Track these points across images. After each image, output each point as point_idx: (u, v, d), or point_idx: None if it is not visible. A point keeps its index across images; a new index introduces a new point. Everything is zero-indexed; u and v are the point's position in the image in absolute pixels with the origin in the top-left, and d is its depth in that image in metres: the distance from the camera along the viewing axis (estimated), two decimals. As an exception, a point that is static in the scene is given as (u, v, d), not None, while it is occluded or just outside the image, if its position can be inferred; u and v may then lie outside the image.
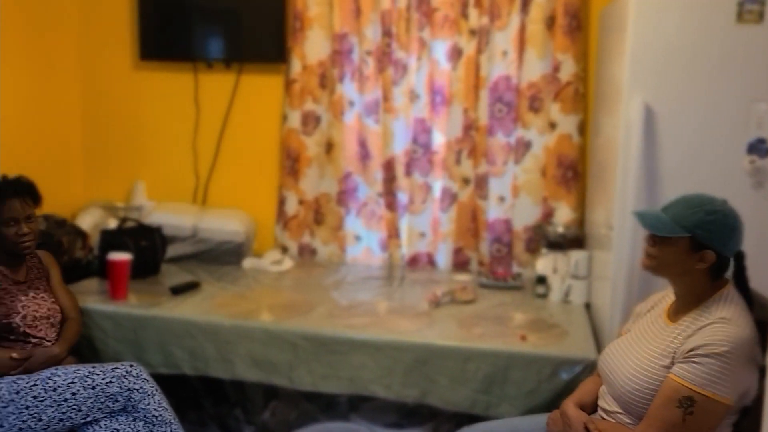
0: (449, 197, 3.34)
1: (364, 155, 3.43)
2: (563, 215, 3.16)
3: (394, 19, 3.27)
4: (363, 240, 3.54)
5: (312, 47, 3.40)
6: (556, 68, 3.09)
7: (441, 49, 3.27)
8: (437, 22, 3.23)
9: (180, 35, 3.56)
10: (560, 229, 3.05)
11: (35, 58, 3.38)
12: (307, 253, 3.56)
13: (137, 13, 3.57)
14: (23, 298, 2.38)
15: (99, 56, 3.70)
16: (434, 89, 3.31)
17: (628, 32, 2.35)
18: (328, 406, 2.64)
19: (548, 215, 3.19)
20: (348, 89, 3.41)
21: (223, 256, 3.41)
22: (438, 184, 3.38)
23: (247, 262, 3.37)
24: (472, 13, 3.16)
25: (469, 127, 3.24)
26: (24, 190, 2.38)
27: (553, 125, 3.15)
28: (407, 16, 3.25)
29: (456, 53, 3.21)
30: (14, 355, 2.26)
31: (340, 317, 2.66)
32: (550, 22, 3.09)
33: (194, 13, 3.53)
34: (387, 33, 3.28)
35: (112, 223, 3.38)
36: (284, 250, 3.54)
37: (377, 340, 2.46)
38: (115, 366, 2.31)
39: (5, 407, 2.20)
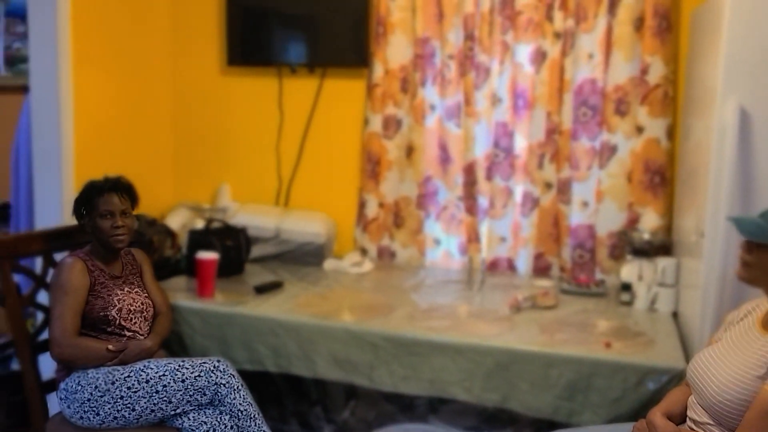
0: (530, 202, 3.31)
1: (445, 159, 3.44)
2: (649, 221, 3.09)
3: (476, 22, 3.27)
4: (442, 244, 3.55)
5: (394, 52, 3.44)
6: (644, 71, 3.02)
7: (524, 52, 3.25)
8: (521, 25, 3.20)
9: (265, 41, 3.65)
10: (646, 236, 2.97)
11: (131, 64, 3.53)
12: (386, 255, 3.58)
13: (225, 21, 3.68)
14: (119, 292, 2.49)
15: (189, 62, 3.84)
16: (517, 93, 3.28)
17: (722, 33, 2.27)
18: (407, 407, 2.65)
19: (633, 221, 3.12)
20: (429, 93, 3.43)
21: (304, 257, 3.47)
22: (519, 189, 3.35)
23: (328, 264, 3.42)
24: (557, 15, 3.12)
25: (552, 131, 3.21)
26: (122, 187, 2.49)
27: (640, 129, 3.07)
28: (490, 20, 3.24)
29: (540, 56, 3.18)
30: (110, 347, 2.36)
31: (420, 319, 2.67)
32: (639, 24, 3.02)
33: (279, 19, 3.62)
34: (469, 37, 3.27)
35: (199, 224, 3.50)
36: (364, 252, 3.58)
37: (458, 343, 2.46)
38: (204, 361, 2.38)
39: (101, 396, 2.30)
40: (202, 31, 3.79)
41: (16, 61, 4.18)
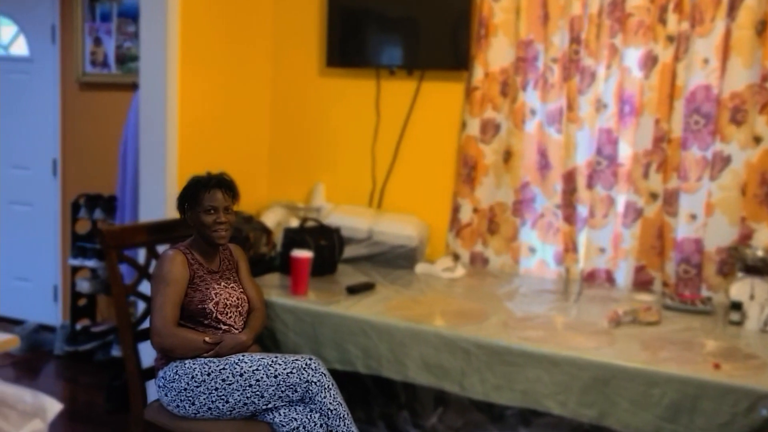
0: (633, 212, 3.17)
1: (544, 165, 3.34)
2: (765, 237, 2.90)
3: (583, 25, 3.17)
4: (537, 252, 3.45)
5: (495, 54, 3.37)
6: (765, 77, 2.84)
7: (633, 56, 3.12)
8: (631, 28, 3.08)
9: (364, 43, 3.66)
10: (760, 253, 2.79)
11: (233, 64, 3.61)
12: (479, 261, 3.52)
13: (325, 23, 3.71)
14: (216, 286, 2.53)
15: (288, 63, 3.89)
16: (623, 98, 3.16)
17: None
18: (497, 417, 2.58)
19: (746, 237, 2.94)
20: (530, 97, 3.35)
21: (396, 260, 3.45)
22: (622, 198, 3.22)
23: (420, 267, 3.38)
24: (671, 18, 2.98)
25: (660, 139, 3.06)
26: (226, 183, 2.55)
27: (757, 139, 2.89)
28: (598, 22, 3.13)
29: (650, 61, 3.04)
30: (207, 339, 2.41)
31: (515, 328, 2.59)
32: (761, 28, 2.85)
33: (379, 21, 3.62)
34: (575, 40, 3.18)
35: (294, 222, 3.53)
36: (456, 257, 3.52)
37: (554, 355, 2.37)
38: (296, 358, 2.40)
39: (197, 387, 2.34)
40: (301, 33, 3.84)
41: (126, 59, 4.35)
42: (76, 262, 4.24)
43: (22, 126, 4.77)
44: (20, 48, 4.77)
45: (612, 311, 2.71)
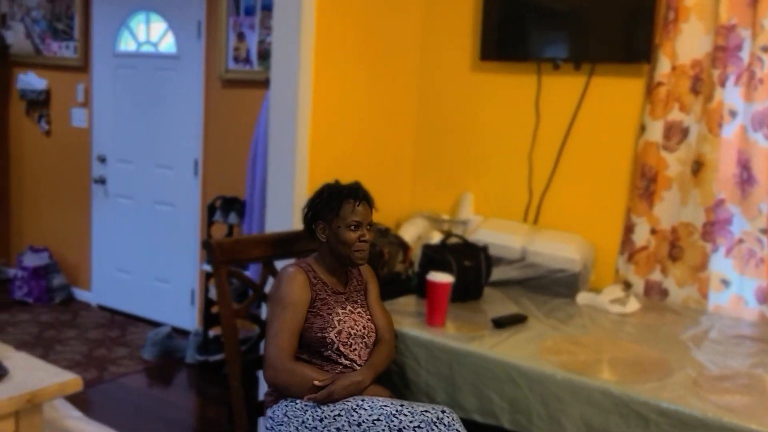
0: None
1: (746, 179, 2.69)
2: None
3: (808, 3, 2.50)
4: (732, 286, 2.80)
5: (686, 43, 2.77)
6: None
7: None
8: None
9: (525, 34, 3.19)
10: None
11: (375, 60, 3.24)
12: (655, 293, 2.92)
13: (481, 12, 3.25)
14: (340, 311, 2.17)
15: (437, 57, 3.47)
16: None
17: None
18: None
19: None
20: (731, 95, 2.71)
21: (553, 286, 2.92)
22: None
23: (582, 297, 2.83)
24: None
25: None
26: (367, 196, 2.20)
27: None
28: (829, -1, 2.46)
29: None
30: (317, 382, 2.04)
31: (708, 390, 2.00)
32: None
33: (542, 9, 3.12)
34: (796, 22, 2.51)
35: (435, 237, 3.10)
36: (627, 286, 2.95)
37: (769, 436, 1.77)
38: (426, 409, 1.96)
39: (307, 435, 1.97)
40: (454, 24, 3.40)
41: (268, 55, 4.11)
42: (210, 268, 4.05)
43: (168, 124, 4.69)
44: (167, 45, 4.69)
45: None
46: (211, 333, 4.19)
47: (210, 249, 2.19)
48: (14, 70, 5.47)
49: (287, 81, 2.88)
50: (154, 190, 4.80)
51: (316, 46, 2.88)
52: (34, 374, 1.42)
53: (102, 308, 5.13)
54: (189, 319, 4.66)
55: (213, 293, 4.05)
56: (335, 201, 2.18)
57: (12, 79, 5.48)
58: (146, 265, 4.89)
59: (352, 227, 2.15)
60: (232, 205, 4.04)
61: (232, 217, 4.00)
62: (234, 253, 2.26)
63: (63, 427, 1.64)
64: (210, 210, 4.13)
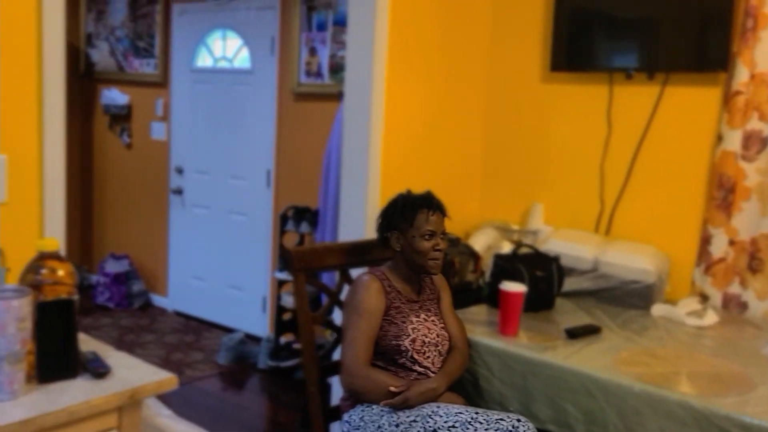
0: None
1: (830, 190, 2.62)
2: None
3: None
4: (816, 300, 2.72)
5: (766, 51, 2.72)
6: None
7: None
8: None
9: (596, 44, 3.17)
10: None
11: (444, 71, 3.28)
12: (734, 306, 2.86)
13: (551, 22, 3.26)
14: (414, 319, 2.21)
15: (506, 68, 3.48)
16: None
17: None
18: None
19: None
20: (814, 103, 2.65)
21: (626, 298, 2.89)
22: None
23: (657, 309, 2.80)
24: None
25: None
26: (440, 205, 2.24)
27: None
28: None
29: None
30: (392, 388, 2.08)
31: (793, 406, 1.96)
32: None
33: (613, 19, 3.11)
34: None
35: (506, 247, 3.11)
36: (704, 299, 2.89)
37: None
38: (500, 417, 1.98)
39: (383, 440, 2.02)
40: (523, 35, 3.42)
41: (339, 68, 4.21)
42: (282, 276, 4.16)
43: (242, 137, 4.84)
44: (242, 60, 4.84)
45: None
46: (283, 340, 4.29)
47: (288, 257, 2.27)
48: (98, 86, 5.73)
49: (361, 94, 2.94)
50: (229, 200, 4.95)
51: (388, 60, 2.94)
52: (133, 372, 1.51)
53: (178, 314, 5.31)
54: (260, 325, 4.78)
55: (285, 301, 4.15)
56: (409, 211, 2.22)
57: (96, 95, 5.75)
58: (220, 272, 5.04)
59: (427, 236, 2.19)
60: (304, 214, 4.14)
61: (304, 227, 4.09)
62: (311, 261, 2.32)
63: (155, 424, 1.73)
64: (282, 219, 4.24)
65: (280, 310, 4.24)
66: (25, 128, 1.90)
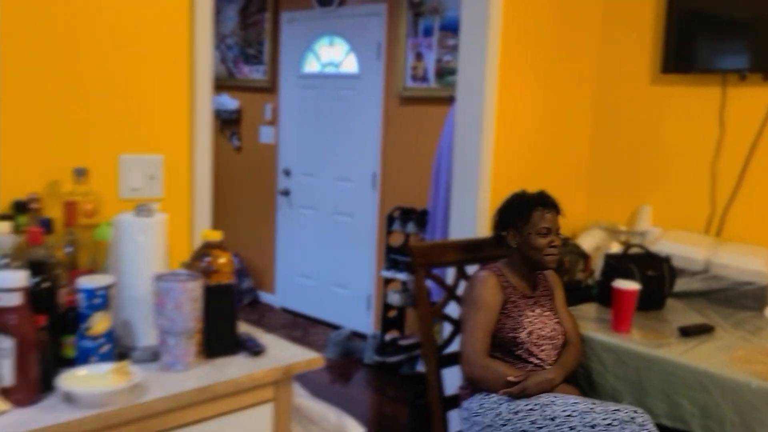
0: None
1: None
2: None
3: None
4: None
5: None
6: None
7: None
8: None
9: (708, 45, 3.17)
10: None
11: (554, 74, 3.34)
12: None
13: (663, 24, 3.27)
14: (529, 313, 2.30)
15: (615, 71, 3.51)
16: None
17: None
18: None
19: None
20: None
21: (739, 299, 2.88)
22: None
23: (771, 311, 2.78)
24: None
25: None
26: (555, 203, 2.34)
27: None
28: None
29: None
30: (510, 378, 2.17)
31: None
32: None
33: (727, 20, 3.09)
34: None
35: (615, 247, 3.15)
36: (821, 302, 2.85)
37: None
38: (617, 408, 2.05)
39: (503, 425, 2.12)
40: (633, 36, 3.43)
41: (445, 73, 4.33)
42: (388, 274, 4.32)
43: (348, 139, 5.03)
44: (349, 66, 5.03)
45: None
46: (388, 336, 4.44)
47: (410, 252, 2.40)
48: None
49: (472, 96, 3.05)
50: (334, 201, 5.16)
51: (500, 62, 3.03)
52: (284, 352, 1.67)
53: (285, 310, 5.55)
54: (364, 322, 4.95)
55: (391, 298, 4.30)
56: (525, 209, 2.32)
57: (209, 101, 6.07)
58: (326, 271, 5.25)
59: (543, 233, 2.28)
60: (410, 215, 4.27)
61: (410, 227, 4.23)
62: (430, 256, 2.45)
63: (296, 402, 1.89)
64: (389, 220, 4.39)
65: (386, 307, 4.39)
66: (178, 131, 2.11)
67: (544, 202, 2.32)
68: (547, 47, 3.28)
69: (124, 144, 1.96)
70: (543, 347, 2.28)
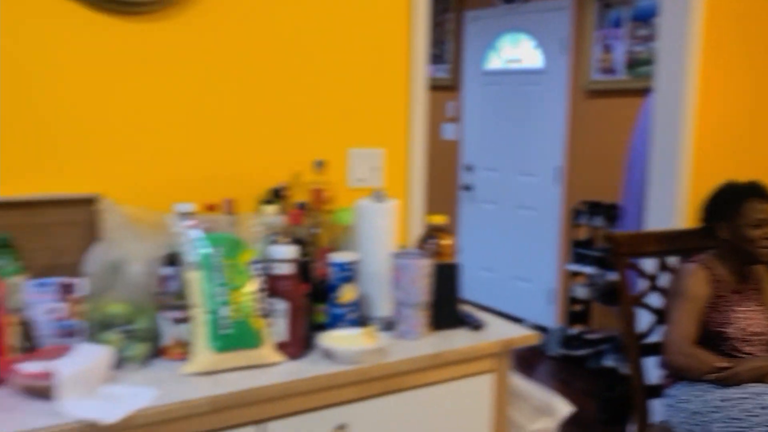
0: None
1: None
2: None
3: None
4: None
5: None
6: None
7: None
8: None
9: None
10: None
11: (763, 61, 3.21)
12: None
13: None
14: (737, 308, 2.26)
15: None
16: None
17: None
18: None
19: None
20: None
21: None
22: None
23: None
24: None
25: None
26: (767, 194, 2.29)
27: None
28: None
29: None
30: (719, 364, 2.16)
31: None
32: None
33: None
34: None
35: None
36: None
37: None
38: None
39: (713, 412, 2.12)
40: None
41: (636, 64, 4.27)
42: (574, 268, 4.33)
43: (531, 134, 5.09)
44: (532, 60, 5.08)
45: None
46: (573, 330, 4.45)
47: (612, 241, 2.44)
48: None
49: (672, 87, 3.00)
50: (517, 195, 5.23)
51: (703, 51, 2.96)
52: (501, 327, 1.81)
53: (465, 302, 5.69)
54: (546, 316, 4.98)
55: (578, 292, 4.32)
56: (736, 200, 2.28)
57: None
58: (508, 264, 5.33)
59: (756, 225, 2.23)
60: (597, 209, 4.26)
61: (598, 221, 4.22)
62: (631, 246, 2.47)
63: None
64: (575, 214, 4.40)
65: (571, 301, 4.41)
66: (397, 128, 2.31)
67: (757, 192, 2.27)
68: (754, 35, 3.16)
69: (352, 139, 2.18)
70: (753, 343, 2.24)
